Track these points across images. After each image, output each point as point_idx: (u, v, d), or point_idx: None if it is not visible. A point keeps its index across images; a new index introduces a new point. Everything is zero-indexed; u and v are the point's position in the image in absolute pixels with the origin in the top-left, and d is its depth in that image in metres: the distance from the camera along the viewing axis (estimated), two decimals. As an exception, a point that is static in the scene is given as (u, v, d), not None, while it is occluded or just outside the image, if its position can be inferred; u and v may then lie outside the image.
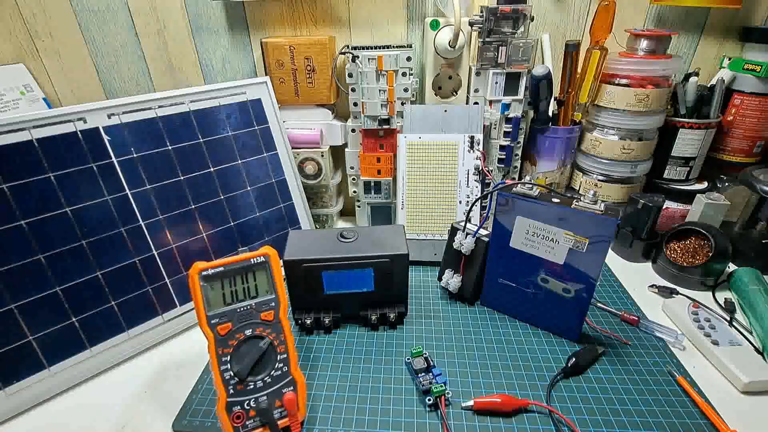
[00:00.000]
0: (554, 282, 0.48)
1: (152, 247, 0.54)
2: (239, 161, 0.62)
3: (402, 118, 0.66)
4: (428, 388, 0.43)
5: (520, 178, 0.74)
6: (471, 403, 0.42)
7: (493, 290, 0.54)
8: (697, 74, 0.66)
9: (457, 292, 0.56)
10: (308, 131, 0.70)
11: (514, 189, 0.48)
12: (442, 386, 0.43)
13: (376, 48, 0.64)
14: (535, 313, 0.52)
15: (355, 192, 0.75)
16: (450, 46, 0.64)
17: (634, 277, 0.63)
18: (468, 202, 0.63)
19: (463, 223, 0.55)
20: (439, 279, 0.58)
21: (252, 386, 0.38)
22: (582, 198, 0.44)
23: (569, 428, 0.40)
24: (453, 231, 0.56)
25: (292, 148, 0.68)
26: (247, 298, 0.40)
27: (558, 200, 0.45)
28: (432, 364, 0.46)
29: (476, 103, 0.66)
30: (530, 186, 0.47)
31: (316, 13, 0.71)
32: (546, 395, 0.44)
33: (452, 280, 0.56)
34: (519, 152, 0.71)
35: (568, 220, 0.44)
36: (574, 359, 0.46)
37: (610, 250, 0.70)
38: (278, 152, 0.66)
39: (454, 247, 0.55)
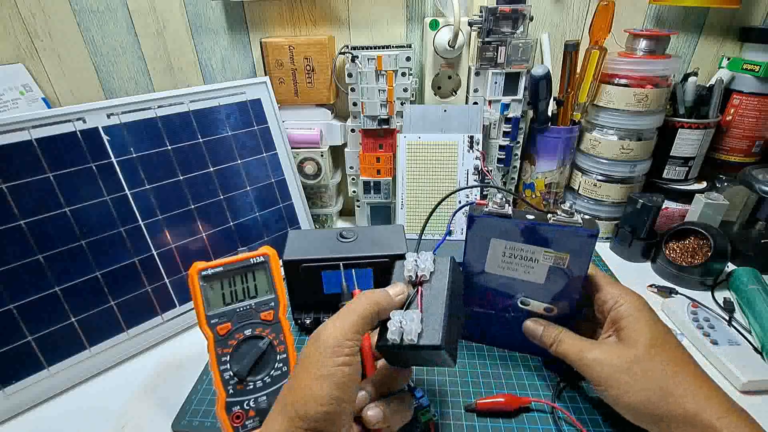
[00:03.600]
0: (535, 303, 0.45)
1: (152, 247, 0.54)
2: (239, 161, 0.62)
3: (401, 118, 0.66)
4: (414, 415, 0.37)
5: (519, 178, 0.74)
6: (473, 403, 0.42)
7: (468, 321, 0.49)
8: (696, 74, 0.66)
9: (419, 341, 0.32)
10: (308, 131, 0.70)
11: (485, 209, 0.42)
12: (427, 411, 0.37)
13: (375, 48, 0.64)
14: (516, 338, 0.47)
15: (354, 192, 0.75)
16: (449, 46, 0.64)
17: (633, 276, 0.63)
18: (468, 202, 0.63)
19: (411, 254, 0.39)
20: (378, 343, 0.34)
21: (251, 386, 0.38)
22: (558, 212, 0.41)
23: (576, 428, 0.40)
24: (398, 263, 0.39)
25: (292, 148, 0.68)
26: (247, 298, 0.40)
27: (533, 216, 0.42)
28: (411, 385, 0.37)
29: (475, 103, 0.67)
30: (501, 204, 0.42)
31: (316, 13, 0.71)
32: (553, 394, 0.44)
33: (410, 324, 0.32)
34: (518, 152, 0.71)
35: (546, 236, 0.41)
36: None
37: (609, 250, 0.70)
38: (278, 152, 0.66)
39: (406, 276, 0.37)
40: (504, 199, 0.42)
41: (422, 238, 0.66)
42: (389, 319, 0.33)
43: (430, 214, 0.45)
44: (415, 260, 0.37)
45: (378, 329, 0.35)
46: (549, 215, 0.41)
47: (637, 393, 0.34)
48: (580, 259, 0.41)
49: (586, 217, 0.41)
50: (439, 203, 0.46)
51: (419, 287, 0.36)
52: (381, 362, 0.36)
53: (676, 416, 0.33)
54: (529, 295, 0.45)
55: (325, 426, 0.28)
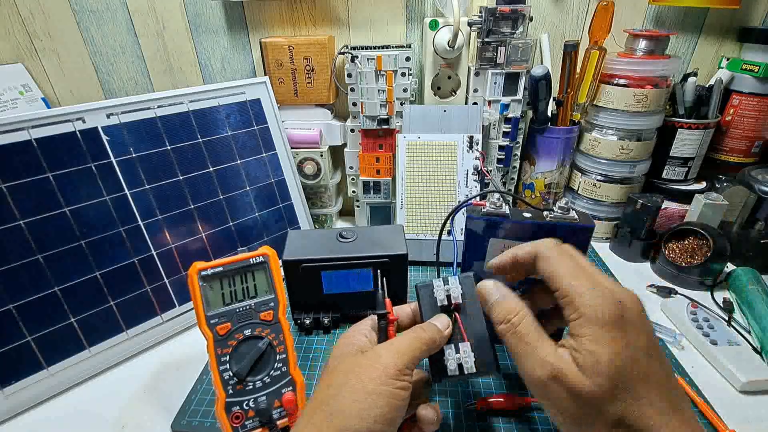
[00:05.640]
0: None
1: (151, 247, 0.53)
2: (238, 161, 0.62)
3: (401, 118, 0.66)
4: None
5: (519, 178, 0.74)
6: (473, 403, 0.42)
7: None
8: (695, 74, 0.66)
9: (478, 368, 0.34)
10: (307, 131, 0.70)
11: (483, 210, 0.43)
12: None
13: (375, 48, 0.64)
14: None
15: (354, 192, 0.75)
16: (449, 46, 0.64)
17: (633, 276, 0.63)
18: (466, 202, 0.63)
19: (437, 277, 0.38)
20: (436, 376, 0.35)
21: (251, 386, 0.38)
22: (554, 209, 0.42)
23: None
24: (423, 290, 0.38)
25: (292, 148, 0.68)
26: (246, 298, 0.40)
27: (530, 214, 0.42)
28: None
29: (475, 103, 0.67)
30: (499, 204, 0.43)
31: (315, 13, 0.71)
32: None
33: (464, 356, 0.34)
34: (518, 152, 0.71)
35: (543, 233, 0.42)
36: None
37: (608, 250, 0.70)
38: (277, 152, 0.66)
39: (439, 304, 0.36)
40: (501, 198, 0.43)
41: (421, 238, 0.66)
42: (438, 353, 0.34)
43: (444, 224, 0.45)
44: (446, 288, 0.37)
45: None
46: (545, 213, 0.42)
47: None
48: None
49: (582, 212, 0.42)
50: (451, 214, 0.46)
51: (456, 315, 0.36)
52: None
53: None
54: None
55: None
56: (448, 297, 0.36)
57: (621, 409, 0.25)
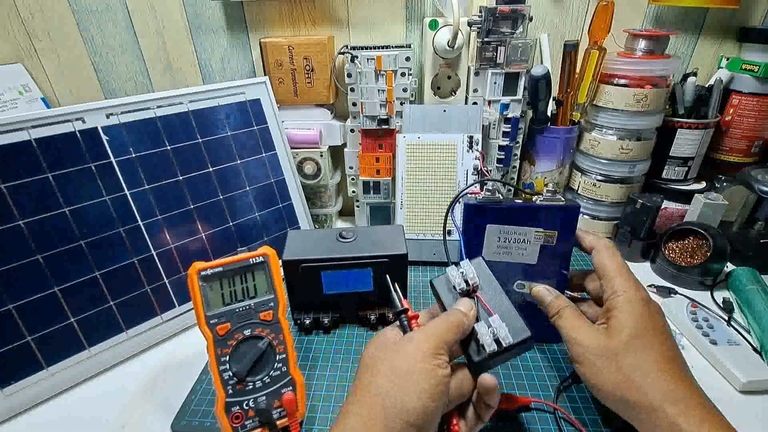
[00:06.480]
0: (530, 284, 0.47)
1: (151, 248, 0.53)
2: (238, 161, 0.62)
3: (401, 118, 0.66)
4: None
5: (519, 178, 0.74)
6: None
7: None
8: (695, 74, 0.66)
9: (514, 335, 0.35)
10: (307, 131, 0.70)
11: (479, 198, 0.46)
12: None
13: (375, 48, 0.64)
14: None
15: (354, 192, 0.75)
16: (449, 46, 0.64)
17: (633, 276, 0.63)
18: (464, 192, 0.63)
19: (451, 268, 0.40)
20: (475, 365, 0.35)
21: (251, 386, 0.38)
22: (542, 194, 0.45)
23: (576, 428, 0.40)
24: (438, 282, 0.40)
25: (291, 148, 0.68)
26: (246, 298, 0.40)
27: (520, 200, 0.46)
28: None
29: (475, 103, 0.67)
30: (492, 190, 0.46)
31: (315, 13, 0.71)
32: (555, 395, 0.44)
33: (497, 328, 0.35)
34: (518, 152, 0.71)
35: (534, 217, 0.45)
36: None
37: (608, 250, 0.70)
38: (277, 152, 0.66)
39: (458, 290, 0.38)
40: (495, 186, 0.46)
41: (421, 238, 0.67)
42: (469, 338, 0.35)
43: (446, 216, 0.47)
44: (461, 272, 0.39)
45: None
46: (535, 197, 0.45)
47: (605, 378, 0.35)
48: (567, 235, 0.45)
49: (569, 198, 0.45)
50: (452, 205, 0.47)
51: (477, 295, 0.38)
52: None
53: (641, 406, 0.33)
54: (524, 279, 0.47)
55: (425, 421, 0.29)
56: (466, 281, 0.38)
57: (633, 355, 0.35)
